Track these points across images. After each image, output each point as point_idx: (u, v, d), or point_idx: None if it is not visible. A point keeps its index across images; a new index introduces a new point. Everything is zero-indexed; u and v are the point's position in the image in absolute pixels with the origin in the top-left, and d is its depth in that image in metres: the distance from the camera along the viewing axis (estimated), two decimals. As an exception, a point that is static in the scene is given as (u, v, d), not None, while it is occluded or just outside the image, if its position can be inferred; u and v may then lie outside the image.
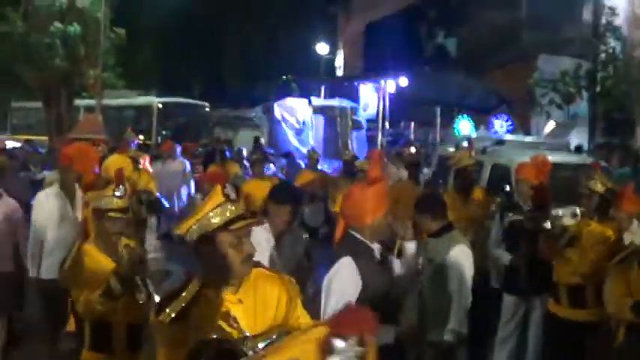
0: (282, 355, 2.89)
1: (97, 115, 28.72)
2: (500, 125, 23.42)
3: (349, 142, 27.59)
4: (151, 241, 10.07)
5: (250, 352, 3.56)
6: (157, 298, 5.42)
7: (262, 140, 26.23)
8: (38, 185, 9.13)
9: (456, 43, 39.39)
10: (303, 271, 6.96)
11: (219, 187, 3.92)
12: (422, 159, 17.82)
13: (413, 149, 22.09)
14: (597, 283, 7.26)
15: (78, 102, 32.66)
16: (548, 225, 7.73)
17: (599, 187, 7.70)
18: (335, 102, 29.53)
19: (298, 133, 28.19)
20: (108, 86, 33.19)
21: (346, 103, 29.41)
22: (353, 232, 5.56)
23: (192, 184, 17.90)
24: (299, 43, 47.88)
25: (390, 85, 29.37)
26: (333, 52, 50.25)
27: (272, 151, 24.59)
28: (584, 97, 20.92)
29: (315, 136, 28.28)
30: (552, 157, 10.31)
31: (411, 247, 6.09)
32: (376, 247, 5.59)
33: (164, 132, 31.68)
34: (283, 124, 28.13)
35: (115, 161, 9.58)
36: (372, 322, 2.82)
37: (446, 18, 39.58)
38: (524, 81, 22.91)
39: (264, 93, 30.89)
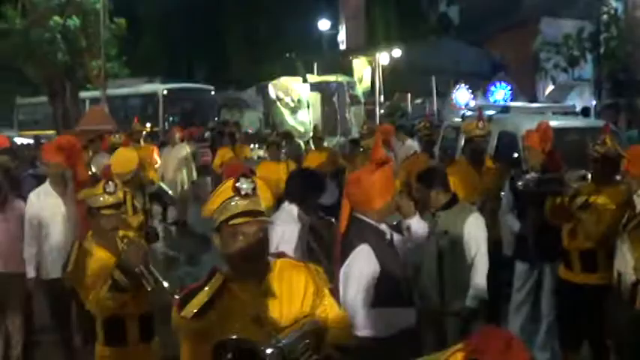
0: None
1: (103, 106, 28.80)
2: (499, 92, 23.36)
3: (347, 117, 27.16)
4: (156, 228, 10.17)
5: (270, 350, 3.47)
6: (165, 284, 5.55)
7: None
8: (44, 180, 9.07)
9: (458, 10, 39.28)
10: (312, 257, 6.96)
11: (230, 181, 3.89)
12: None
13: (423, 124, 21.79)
14: (608, 247, 7.28)
15: (83, 94, 32.68)
16: (562, 188, 7.68)
17: (608, 150, 7.67)
18: (331, 78, 29.20)
19: (294, 112, 27.91)
20: (112, 76, 33.24)
21: (343, 78, 29.06)
22: (360, 216, 5.45)
23: (194, 168, 17.80)
24: (301, 21, 47.74)
25: (383, 58, 29.06)
26: (335, 27, 50.15)
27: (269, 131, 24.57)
28: (588, 60, 20.79)
29: (312, 113, 27.85)
30: (559, 122, 10.31)
31: (414, 223, 5.94)
32: (384, 227, 5.51)
33: (171, 118, 31.74)
34: (278, 103, 27.91)
35: (122, 155, 9.43)
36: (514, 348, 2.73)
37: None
38: (528, 46, 22.79)
39: (269, 73, 30.65)
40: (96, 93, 31.90)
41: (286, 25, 47.80)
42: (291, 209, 6.60)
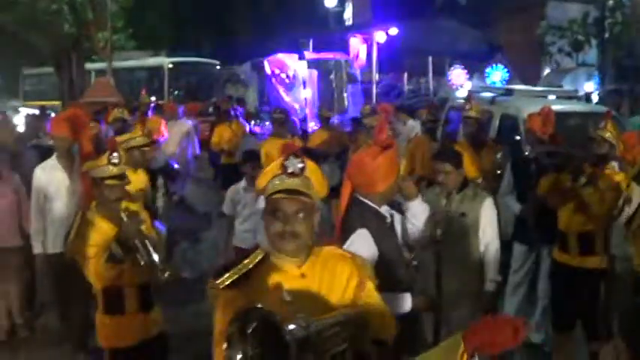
0: None
1: (109, 78, 28.87)
2: (495, 74, 23.28)
3: (344, 96, 26.91)
4: (160, 202, 10.27)
5: (293, 327, 3.35)
6: (156, 258, 5.81)
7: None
8: (48, 152, 9.08)
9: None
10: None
11: (281, 159, 3.92)
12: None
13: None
14: (606, 229, 7.40)
15: (89, 66, 32.72)
16: (569, 161, 7.71)
17: (609, 135, 7.77)
18: (329, 55, 28.81)
19: (289, 88, 27.60)
20: (118, 48, 33.25)
21: (340, 56, 28.70)
22: (361, 198, 5.45)
23: (196, 144, 17.66)
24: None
25: (379, 36, 28.82)
26: (341, 4, 50.01)
27: (267, 108, 24.44)
28: (593, 45, 20.80)
29: (308, 90, 27.48)
30: (562, 106, 10.38)
31: (415, 205, 5.90)
32: (385, 209, 5.52)
33: (176, 92, 31.79)
34: (274, 79, 27.62)
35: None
36: (512, 332, 3.00)
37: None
38: (533, 29, 22.78)
39: (274, 48, 30.50)
40: (102, 65, 31.96)
41: (293, 1, 47.67)
42: None
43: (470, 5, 35.51)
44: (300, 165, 3.89)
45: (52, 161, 8.49)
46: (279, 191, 3.83)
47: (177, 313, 8.55)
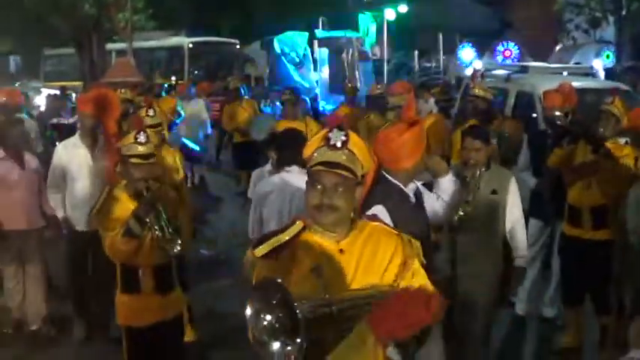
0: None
1: (130, 58, 29.03)
2: (506, 52, 23.13)
3: (356, 74, 26.16)
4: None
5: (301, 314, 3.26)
6: (168, 232, 5.85)
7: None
8: (69, 130, 9.14)
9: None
10: None
11: (325, 131, 3.84)
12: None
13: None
14: (618, 202, 7.49)
15: (109, 46, 32.89)
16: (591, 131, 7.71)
17: (615, 110, 7.81)
18: (341, 33, 28.18)
19: (299, 67, 27.27)
20: (138, 29, 33.38)
21: (352, 34, 28.11)
22: (386, 175, 5.40)
23: (208, 123, 17.72)
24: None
25: (389, 13, 28.41)
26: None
27: (278, 87, 23.97)
28: (610, 22, 20.71)
29: (319, 69, 27.06)
30: (576, 83, 10.43)
31: (446, 181, 5.88)
32: (411, 188, 5.48)
33: (196, 72, 31.89)
34: (283, 58, 27.16)
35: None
36: (424, 307, 3.10)
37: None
38: (550, 6, 22.68)
39: (294, 27, 30.28)
40: (122, 45, 32.08)
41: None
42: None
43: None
44: (344, 138, 3.77)
45: (75, 139, 8.53)
46: (319, 163, 3.73)
47: (194, 292, 8.66)
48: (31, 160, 8.84)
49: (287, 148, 6.64)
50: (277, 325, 3.27)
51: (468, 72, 24.26)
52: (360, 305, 3.52)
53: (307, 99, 17.97)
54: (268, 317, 3.28)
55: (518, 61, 22.91)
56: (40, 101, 22.12)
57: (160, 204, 5.91)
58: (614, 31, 20.80)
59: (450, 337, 5.50)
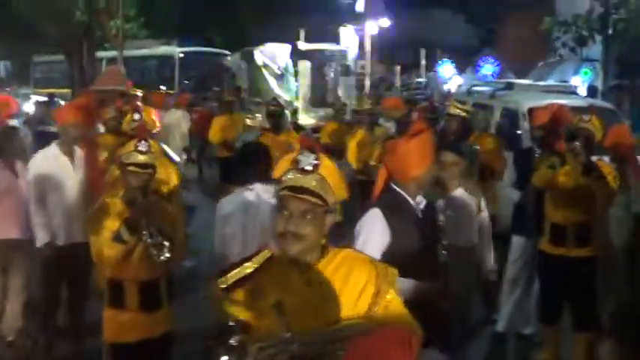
0: None
1: (119, 66, 29.03)
2: (486, 68, 23.22)
3: (339, 88, 25.85)
4: None
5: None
6: (159, 240, 5.65)
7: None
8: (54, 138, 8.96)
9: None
10: None
11: (294, 153, 3.65)
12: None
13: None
14: (600, 218, 7.56)
15: (100, 54, 32.92)
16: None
17: (591, 127, 7.82)
18: (324, 46, 27.68)
19: (279, 79, 26.62)
20: (130, 37, 33.42)
21: (335, 47, 27.63)
22: (394, 186, 5.35)
23: (187, 134, 17.55)
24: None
25: (371, 27, 28.16)
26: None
27: (259, 100, 23.92)
28: (597, 41, 20.85)
29: (301, 83, 26.55)
30: (561, 101, 10.49)
31: (459, 196, 5.84)
32: (420, 200, 5.38)
33: (186, 81, 31.93)
34: (264, 70, 26.63)
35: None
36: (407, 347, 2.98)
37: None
38: (538, 24, 22.84)
39: (282, 41, 30.18)
40: (113, 53, 32.13)
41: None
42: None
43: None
44: (315, 161, 3.57)
45: (55, 150, 8.25)
46: (287, 187, 3.53)
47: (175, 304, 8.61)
48: (23, 169, 8.56)
49: (247, 165, 6.46)
50: None
51: (448, 88, 24.39)
52: (330, 343, 3.36)
53: (287, 112, 17.69)
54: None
55: (498, 77, 23.07)
56: (29, 108, 22.09)
57: (152, 212, 5.80)
58: (600, 49, 20.96)
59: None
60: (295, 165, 3.56)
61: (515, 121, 12.18)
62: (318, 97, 25.29)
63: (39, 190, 8.10)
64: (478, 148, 9.20)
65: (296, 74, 26.11)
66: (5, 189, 8.44)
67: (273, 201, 3.75)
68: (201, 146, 19.47)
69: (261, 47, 27.14)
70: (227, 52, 34.21)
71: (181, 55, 32.53)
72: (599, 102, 14.37)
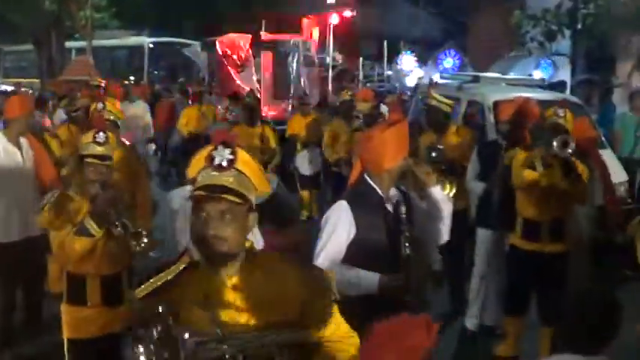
0: None
1: (88, 56, 28.82)
2: (447, 61, 23.31)
3: (301, 80, 24.96)
4: None
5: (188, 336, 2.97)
6: (131, 228, 5.58)
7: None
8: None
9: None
10: None
11: (207, 149, 3.39)
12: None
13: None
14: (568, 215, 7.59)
15: (69, 44, 32.68)
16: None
17: (564, 123, 7.78)
18: (286, 36, 26.94)
19: (241, 70, 25.91)
20: (101, 27, 33.17)
21: (298, 38, 26.62)
22: (367, 178, 5.20)
23: (151, 126, 17.27)
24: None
25: (333, 18, 27.71)
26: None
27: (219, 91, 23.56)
28: (566, 35, 20.90)
29: (262, 74, 25.88)
30: (526, 95, 10.50)
31: (436, 192, 5.43)
32: (394, 194, 5.24)
33: (156, 72, 31.75)
34: (225, 61, 25.94)
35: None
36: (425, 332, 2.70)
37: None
38: (507, 17, 22.87)
39: (256, 30, 29.76)
40: (82, 43, 31.87)
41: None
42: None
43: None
44: (230, 156, 3.34)
45: (3, 142, 8.01)
46: (202, 187, 3.29)
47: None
48: None
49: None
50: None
51: (409, 80, 24.37)
52: (263, 347, 3.20)
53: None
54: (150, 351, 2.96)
55: (459, 70, 23.16)
56: (-4, 99, 21.85)
57: (117, 203, 5.67)
58: (569, 44, 21.04)
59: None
60: (209, 162, 3.34)
61: (481, 114, 12.21)
62: (281, 88, 24.74)
63: None
64: (442, 147, 9.21)
65: (258, 65, 25.86)
66: None
67: None
68: (164, 138, 19.29)
69: (222, 37, 26.81)
70: (198, 42, 34.03)
71: (151, 45, 32.36)
72: (566, 96, 14.41)
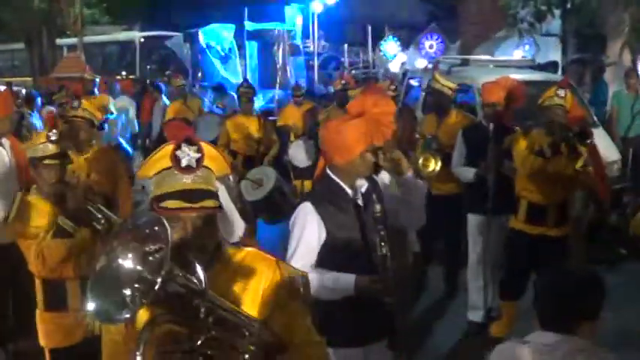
0: None
1: (80, 53, 28.76)
2: (429, 45, 23.23)
3: (288, 69, 25.12)
4: None
5: None
6: (118, 220, 5.35)
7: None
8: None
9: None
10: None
11: (170, 147, 3.01)
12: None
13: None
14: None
15: (60, 41, 32.61)
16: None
17: (563, 102, 7.68)
18: (271, 25, 26.59)
19: (224, 61, 26.25)
20: (92, 23, 33.09)
21: (282, 27, 26.48)
22: (330, 173, 4.98)
23: (135, 122, 17.27)
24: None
25: (316, 5, 27.64)
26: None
27: (205, 84, 23.53)
28: (556, 15, 20.79)
29: (248, 64, 25.98)
30: (517, 76, 10.43)
31: (410, 179, 5.29)
32: (361, 184, 5.01)
33: (148, 66, 31.65)
34: (208, 52, 26.03)
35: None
36: None
37: None
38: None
39: (217, 19, 29.24)
40: (74, 40, 31.81)
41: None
42: None
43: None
44: (198, 155, 3.00)
45: None
46: (171, 195, 2.94)
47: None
48: None
49: None
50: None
51: (392, 66, 24.22)
52: (233, 325, 2.92)
53: (235, 94, 17.43)
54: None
55: (442, 54, 23.14)
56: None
57: (89, 197, 5.47)
58: (559, 24, 20.94)
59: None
60: (176, 163, 2.96)
61: (470, 97, 12.20)
62: (268, 78, 24.56)
63: None
64: (435, 136, 9.18)
65: (244, 56, 25.65)
66: None
67: None
68: (148, 132, 19.19)
69: (205, 28, 26.57)
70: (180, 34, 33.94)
71: (142, 40, 32.23)
72: (557, 76, 14.35)
